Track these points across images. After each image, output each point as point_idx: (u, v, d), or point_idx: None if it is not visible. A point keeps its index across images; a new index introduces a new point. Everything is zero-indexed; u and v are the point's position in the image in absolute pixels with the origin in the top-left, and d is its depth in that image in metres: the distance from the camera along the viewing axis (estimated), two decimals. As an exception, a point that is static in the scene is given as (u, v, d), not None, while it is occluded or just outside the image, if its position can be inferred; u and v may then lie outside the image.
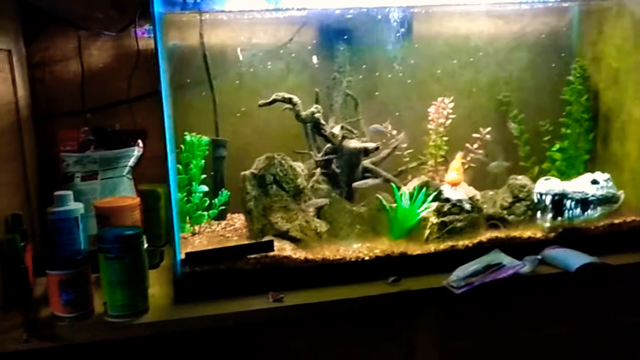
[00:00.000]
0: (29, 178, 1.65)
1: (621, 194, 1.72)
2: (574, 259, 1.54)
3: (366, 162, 1.76)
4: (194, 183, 1.71)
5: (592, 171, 1.77)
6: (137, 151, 1.75)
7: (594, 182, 1.71)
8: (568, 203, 1.69)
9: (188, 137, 1.70)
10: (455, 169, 1.68)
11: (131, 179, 1.71)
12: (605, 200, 1.69)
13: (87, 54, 1.83)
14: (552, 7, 1.94)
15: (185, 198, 1.70)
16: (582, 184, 1.71)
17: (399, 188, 1.67)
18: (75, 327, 1.30)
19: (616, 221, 1.69)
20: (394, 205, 1.63)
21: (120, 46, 1.84)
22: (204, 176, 1.73)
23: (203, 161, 1.73)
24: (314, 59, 1.81)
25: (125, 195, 1.66)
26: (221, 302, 1.40)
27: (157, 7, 1.36)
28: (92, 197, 1.64)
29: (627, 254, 1.64)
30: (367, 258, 1.52)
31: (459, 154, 1.72)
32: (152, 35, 1.38)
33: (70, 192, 1.51)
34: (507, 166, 1.80)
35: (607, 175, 1.73)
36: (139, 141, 1.76)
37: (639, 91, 1.71)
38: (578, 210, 1.69)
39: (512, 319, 1.56)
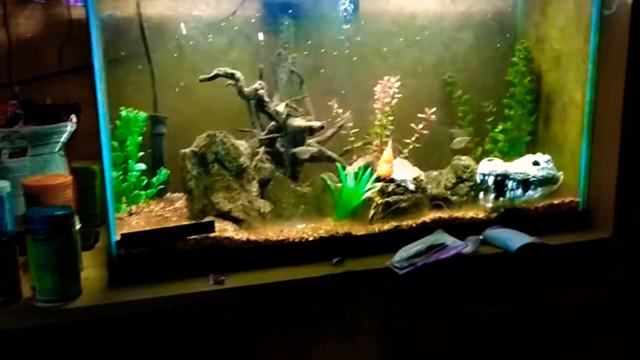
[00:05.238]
0: (-50, 154, 1.55)
1: (560, 175, 1.75)
2: (515, 239, 1.56)
3: (311, 141, 1.72)
4: (130, 161, 1.63)
5: (534, 152, 1.80)
6: (69, 127, 1.66)
7: (535, 163, 1.73)
8: (510, 184, 1.71)
9: (124, 113, 1.63)
10: (386, 161, 1.62)
11: (64, 156, 1.63)
12: (546, 181, 1.72)
13: (14, 23, 1.72)
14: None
15: (121, 177, 1.62)
16: (524, 165, 1.73)
17: (344, 168, 1.64)
18: (0, 313, 1.23)
19: (555, 202, 1.73)
20: (339, 185, 1.61)
21: (50, 15, 1.74)
22: (141, 154, 1.66)
23: (140, 138, 1.66)
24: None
25: (57, 173, 1.59)
26: (159, 285, 1.35)
27: (90, -27, 1.28)
28: (21, 175, 1.55)
29: (565, 234, 1.68)
30: (311, 239, 1.50)
31: (390, 144, 1.68)
32: (84, 3, 1.30)
33: (-5, 170, 1.42)
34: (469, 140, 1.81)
35: (547, 157, 1.76)
36: (72, 116, 1.68)
37: (580, 74, 1.74)
38: (519, 191, 1.71)
39: (454, 298, 1.58)
